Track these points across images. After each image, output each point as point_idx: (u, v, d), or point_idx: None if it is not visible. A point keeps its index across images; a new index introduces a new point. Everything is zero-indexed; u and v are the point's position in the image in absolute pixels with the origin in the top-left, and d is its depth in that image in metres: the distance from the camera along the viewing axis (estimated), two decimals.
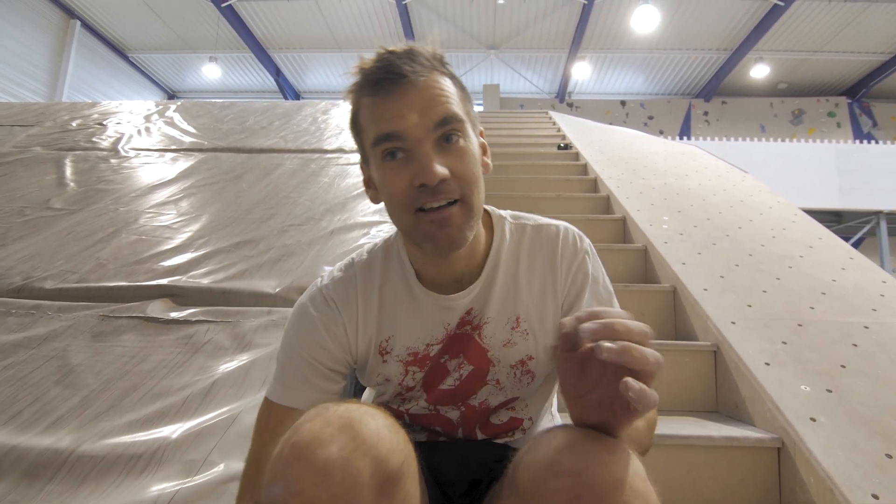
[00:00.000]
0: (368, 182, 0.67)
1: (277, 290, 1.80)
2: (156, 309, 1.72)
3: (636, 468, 0.47)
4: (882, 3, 7.69)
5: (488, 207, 0.72)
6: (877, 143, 8.64)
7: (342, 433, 0.46)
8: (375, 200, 0.67)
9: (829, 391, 1.36)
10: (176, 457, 1.16)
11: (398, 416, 0.71)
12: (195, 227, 2.26)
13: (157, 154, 3.19)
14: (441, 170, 0.56)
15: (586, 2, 8.02)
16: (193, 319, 1.67)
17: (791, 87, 10.11)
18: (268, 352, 1.53)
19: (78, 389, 1.37)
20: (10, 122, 3.79)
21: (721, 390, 1.60)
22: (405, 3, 8.38)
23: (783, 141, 8.22)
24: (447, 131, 0.58)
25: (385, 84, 0.58)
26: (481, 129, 0.67)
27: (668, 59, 9.67)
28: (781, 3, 7.71)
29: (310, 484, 0.43)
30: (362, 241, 2.18)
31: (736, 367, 1.51)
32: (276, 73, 10.72)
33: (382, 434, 0.48)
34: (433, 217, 0.58)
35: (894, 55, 8.96)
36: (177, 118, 3.83)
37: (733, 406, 1.52)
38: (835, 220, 7.91)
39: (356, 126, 0.64)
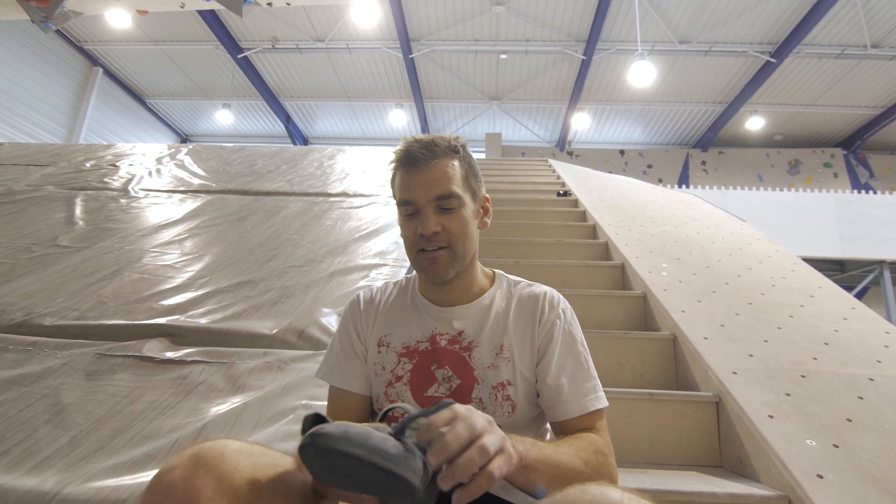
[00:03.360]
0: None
1: (274, 331, 1.79)
2: (152, 348, 1.71)
3: None
4: (871, 61, 8.00)
5: (497, 271, 0.96)
6: (874, 193, 8.74)
7: (188, 460, 0.57)
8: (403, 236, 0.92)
9: (836, 446, 1.32)
10: None
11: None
12: (197, 266, 2.28)
13: (165, 195, 3.26)
14: (434, 227, 0.83)
15: (585, 57, 8.37)
16: (188, 360, 1.66)
17: (787, 139, 10.35)
18: (261, 395, 1.51)
19: (67, 429, 1.34)
20: (26, 161, 3.90)
21: (724, 443, 1.55)
22: (412, 58, 8.75)
23: (781, 190, 8.33)
24: (443, 203, 0.84)
25: (405, 165, 0.86)
26: (486, 195, 0.92)
27: (665, 111, 9.97)
28: (773, 60, 8.01)
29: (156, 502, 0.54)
30: (362, 283, 2.19)
31: (739, 420, 1.47)
32: (287, 119, 11.09)
33: (228, 456, 0.58)
34: (427, 256, 0.84)
35: (886, 109, 9.23)
36: (187, 161, 3.94)
37: (737, 460, 1.48)
38: (837, 269, 7.89)
39: (392, 184, 0.90)
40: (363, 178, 3.78)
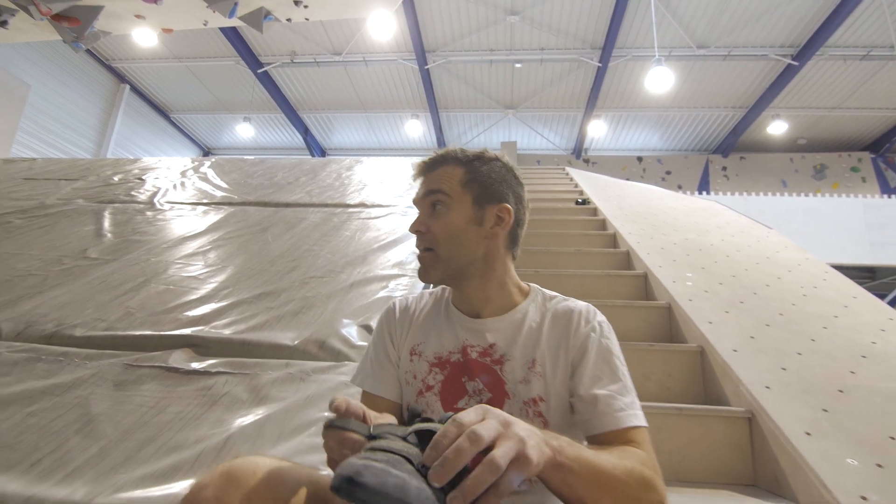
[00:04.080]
0: None
1: (296, 342, 1.80)
2: (178, 359, 1.73)
3: None
4: None
5: (532, 285, 0.94)
6: None
7: (220, 478, 0.60)
8: None
9: (880, 466, 1.26)
10: None
11: None
12: (220, 277, 2.31)
13: (189, 207, 3.33)
14: (418, 224, 0.87)
15: (600, 65, 8.33)
16: (213, 370, 1.67)
17: (811, 143, 10.11)
18: (283, 406, 1.51)
19: (97, 439, 1.36)
20: (58, 176, 4.02)
21: (759, 461, 1.50)
22: (427, 69, 8.82)
23: (806, 196, 8.13)
24: (432, 200, 0.87)
25: (415, 174, 0.91)
26: (508, 206, 0.87)
27: (684, 117, 9.84)
28: (796, 63, 7.86)
29: None
30: (381, 294, 2.19)
31: (774, 437, 1.42)
32: (305, 131, 11.26)
33: (259, 474, 0.61)
34: (419, 255, 0.88)
35: None
36: (210, 174, 4.01)
37: (773, 479, 1.42)
38: (868, 276, 7.66)
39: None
40: (380, 189, 3.80)
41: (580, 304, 0.88)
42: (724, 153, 10.53)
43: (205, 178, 3.89)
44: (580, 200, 3.76)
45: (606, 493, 0.62)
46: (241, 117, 10.59)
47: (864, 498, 1.18)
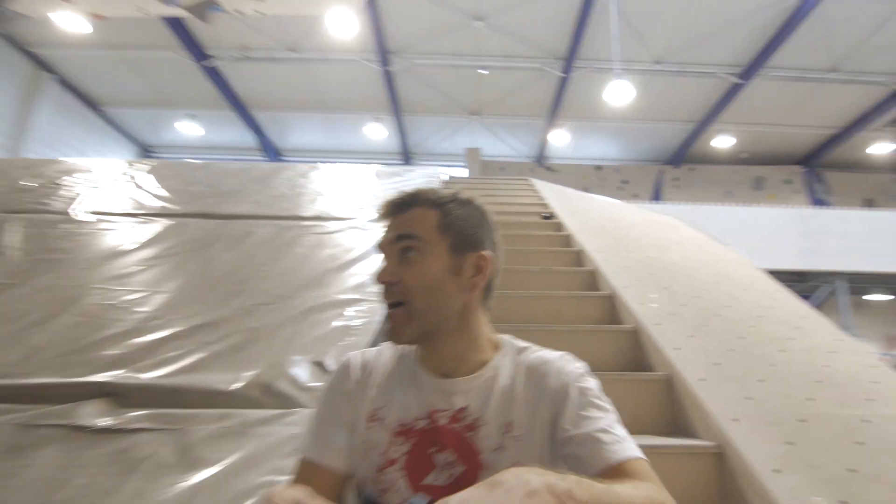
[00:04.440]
0: None
1: (233, 387, 1.57)
2: (88, 413, 1.45)
3: None
4: (829, 84, 8.36)
5: (503, 337, 0.84)
6: (831, 208, 9.12)
7: None
8: None
9: (844, 503, 1.23)
10: None
11: None
12: (149, 306, 2.06)
13: (117, 219, 2.99)
14: (387, 275, 0.75)
15: (563, 75, 8.43)
16: (131, 427, 1.41)
17: (752, 156, 10.69)
18: (218, 471, 1.29)
19: None
20: None
21: (727, 497, 1.45)
22: (390, 71, 8.64)
23: (747, 206, 8.56)
24: (403, 246, 0.76)
25: (383, 214, 0.81)
26: (486, 253, 0.79)
27: (640, 129, 10.15)
28: (741, 82, 8.26)
29: None
30: (336, 323, 2.01)
31: (744, 475, 1.37)
32: (258, 132, 10.78)
33: None
34: (388, 314, 0.76)
35: (842, 129, 9.72)
36: (144, 179, 3.63)
37: None
38: (798, 280, 8.14)
39: None
40: (338, 199, 3.59)
41: (554, 354, 0.80)
42: (675, 164, 10.94)
43: (138, 185, 3.53)
44: (546, 215, 3.71)
45: None
46: (184, 114, 9.96)
47: None
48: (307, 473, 0.75)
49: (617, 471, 0.65)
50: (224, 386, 1.55)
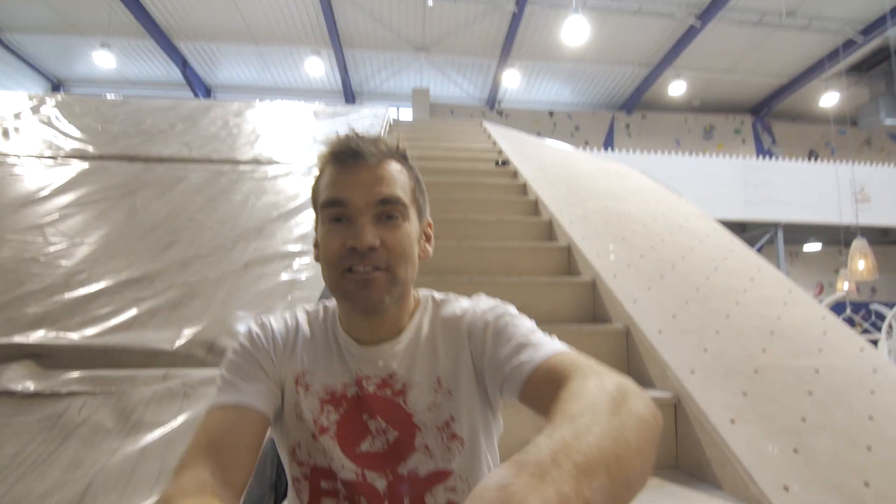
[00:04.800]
0: (317, 243, 0.72)
1: (176, 345, 1.48)
2: (13, 377, 1.34)
3: None
4: (784, 30, 8.44)
5: (421, 291, 0.78)
6: (776, 158, 9.48)
7: None
8: (317, 259, 0.71)
9: (796, 451, 1.30)
10: None
11: (332, 478, 0.72)
12: (72, 259, 1.85)
13: (26, 161, 2.65)
14: (372, 239, 0.65)
15: (516, 10, 8.06)
16: (64, 391, 1.32)
17: (703, 104, 10.87)
18: (163, 434, 1.22)
19: None
20: None
21: (682, 446, 1.51)
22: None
23: (696, 155, 8.77)
24: (387, 210, 0.67)
25: (345, 158, 0.68)
26: (429, 220, 0.76)
27: (594, 72, 10.01)
28: (697, 25, 8.20)
29: None
30: (284, 276, 1.89)
31: (701, 425, 1.41)
32: (183, 64, 9.80)
33: None
34: (358, 277, 0.66)
35: (792, 79, 9.97)
36: (55, 116, 3.22)
37: (696, 464, 1.43)
38: (739, 230, 8.56)
39: (316, 186, 0.72)
40: (278, 141, 3.33)
41: (465, 302, 0.77)
42: (628, 110, 10.97)
43: (48, 123, 3.11)
44: (500, 162, 3.61)
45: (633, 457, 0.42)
46: (96, 42, 8.79)
47: (786, 488, 1.19)
48: (228, 419, 0.64)
49: (540, 377, 0.60)
50: (166, 345, 1.43)
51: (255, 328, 0.74)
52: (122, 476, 1.11)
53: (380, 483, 0.71)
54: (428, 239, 0.75)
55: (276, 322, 0.75)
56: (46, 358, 1.42)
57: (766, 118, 11.09)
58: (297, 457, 0.73)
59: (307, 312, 0.78)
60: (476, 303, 0.76)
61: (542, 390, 0.59)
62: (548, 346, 0.63)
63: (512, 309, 0.73)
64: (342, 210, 0.66)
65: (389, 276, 0.67)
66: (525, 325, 0.69)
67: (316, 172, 0.73)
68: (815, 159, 9.77)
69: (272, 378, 0.70)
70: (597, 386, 0.50)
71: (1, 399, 1.28)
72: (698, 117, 11.01)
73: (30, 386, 1.32)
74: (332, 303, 0.78)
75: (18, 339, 1.45)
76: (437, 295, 0.78)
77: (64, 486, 1.08)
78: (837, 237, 7.82)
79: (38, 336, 1.46)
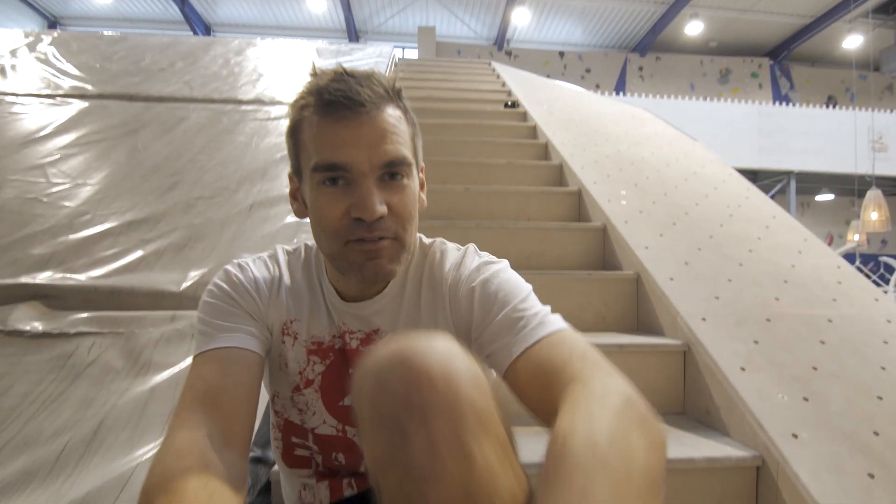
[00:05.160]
0: (296, 195, 0.65)
1: (183, 287, 1.47)
2: (21, 317, 1.35)
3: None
4: None
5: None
6: (792, 104, 9.12)
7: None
8: (300, 215, 0.65)
9: (806, 399, 1.29)
10: None
11: (303, 436, 0.70)
12: (75, 200, 1.82)
13: (25, 100, 2.56)
14: (381, 208, 0.57)
15: None
16: (72, 331, 1.32)
17: (720, 46, 10.36)
18: (172, 374, 1.23)
19: None
20: None
21: (690, 393, 1.51)
22: None
23: (710, 99, 8.46)
24: (392, 170, 0.59)
25: (340, 109, 0.56)
26: (422, 164, 0.68)
27: (608, 10, 9.49)
28: None
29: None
30: (289, 218, 1.86)
31: (710, 372, 1.41)
32: (182, 0, 9.35)
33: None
34: (364, 248, 0.58)
35: (814, 19, 9.41)
36: (52, 54, 3.10)
37: (704, 411, 1.44)
38: (751, 178, 8.40)
39: (296, 137, 0.61)
40: (281, 80, 3.20)
41: (452, 257, 0.69)
42: (641, 52, 10.49)
43: (45, 60, 3.00)
44: (509, 103, 3.47)
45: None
46: None
47: (794, 436, 1.20)
48: (219, 367, 0.58)
49: (536, 357, 0.54)
50: (172, 287, 1.43)
51: (234, 270, 0.66)
52: (133, 415, 1.13)
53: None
54: (422, 187, 0.68)
55: (255, 266, 0.67)
56: (53, 299, 1.42)
57: (784, 62, 10.59)
58: (275, 405, 0.71)
59: (288, 253, 0.71)
60: (462, 261, 0.68)
61: (529, 380, 0.54)
62: (539, 323, 0.57)
63: (503, 267, 0.66)
64: (341, 174, 0.57)
65: (397, 244, 0.60)
66: (516, 292, 0.61)
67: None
68: (834, 106, 9.37)
69: (259, 320, 0.64)
70: (600, 416, 0.42)
71: (10, 339, 1.28)
72: (714, 60, 10.53)
73: (38, 326, 1.32)
74: (314, 243, 0.71)
75: (25, 279, 1.44)
76: (426, 240, 0.72)
77: (76, 424, 1.10)
78: (851, 187, 7.66)
79: (44, 277, 1.46)
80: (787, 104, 9.14)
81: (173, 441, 0.50)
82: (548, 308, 0.60)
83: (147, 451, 1.04)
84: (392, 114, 0.59)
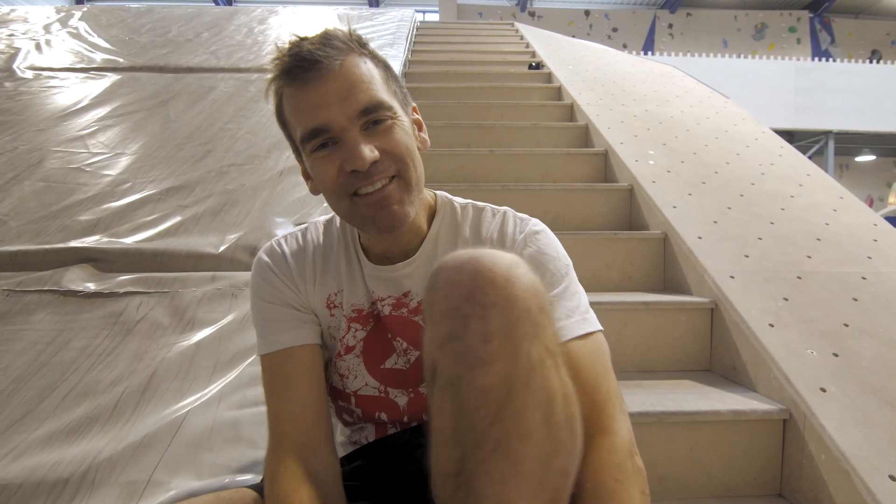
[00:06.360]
0: (306, 174, 0.66)
1: (221, 249, 1.54)
2: (73, 279, 1.43)
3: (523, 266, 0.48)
4: None
5: (439, 194, 0.73)
6: (833, 60, 8.63)
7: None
8: (315, 192, 0.66)
9: (836, 355, 1.29)
10: (112, 478, 0.96)
11: (346, 399, 0.73)
12: (115, 170, 1.90)
13: (62, 75, 2.64)
14: (370, 154, 0.57)
15: None
16: (121, 291, 1.40)
17: None
18: (216, 330, 1.30)
19: None
20: None
21: (717, 350, 1.52)
22: None
23: (745, 57, 8.09)
24: (372, 117, 0.59)
25: (300, 72, 0.58)
26: (414, 105, 0.68)
27: None
28: None
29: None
30: None
31: (738, 329, 1.41)
32: None
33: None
34: (371, 199, 0.59)
35: None
36: (83, 28, 3.18)
37: (730, 367, 1.45)
38: (786, 139, 8.07)
39: (281, 118, 0.63)
40: None
41: (490, 225, 0.69)
42: (671, 8, 10.02)
43: (77, 35, 3.07)
44: (533, 64, 3.40)
45: None
46: None
47: (823, 390, 1.20)
48: (289, 363, 0.65)
49: (574, 351, 0.57)
50: (211, 249, 1.49)
51: (265, 258, 0.68)
52: (182, 367, 1.21)
53: (401, 399, 0.72)
54: (420, 127, 0.67)
55: (287, 245, 0.70)
56: (102, 262, 1.51)
57: (825, 14, 9.96)
58: (327, 372, 0.74)
59: (323, 225, 0.73)
60: (503, 227, 0.68)
61: None
62: (581, 319, 0.60)
63: (549, 242, 0.66)
64: (326, 136, 0.58)
65: (402, 184, 0.61)
66: (560, 275, 0.63)
67: None
68: (878, 60, 8.81)
69: (301, 306, 0.68)
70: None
71: (65, 298, 1.37)
72: (749, 14, 9.99)
73: (90, 286, 1.41)
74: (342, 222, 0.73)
75: (75, 243, 1.52)
76: (458, 201, 0.72)
77: (130, 374, 1.18)
78: (893, 147, 7.29)
79: (92, 241, 1.54)
80: (827, 60, 8.66)
81: (277, 478, 0.60)
82: (586, 300, 0.64)
83: (195, 399, 1.12)
84: (356, 63, 0.59)
